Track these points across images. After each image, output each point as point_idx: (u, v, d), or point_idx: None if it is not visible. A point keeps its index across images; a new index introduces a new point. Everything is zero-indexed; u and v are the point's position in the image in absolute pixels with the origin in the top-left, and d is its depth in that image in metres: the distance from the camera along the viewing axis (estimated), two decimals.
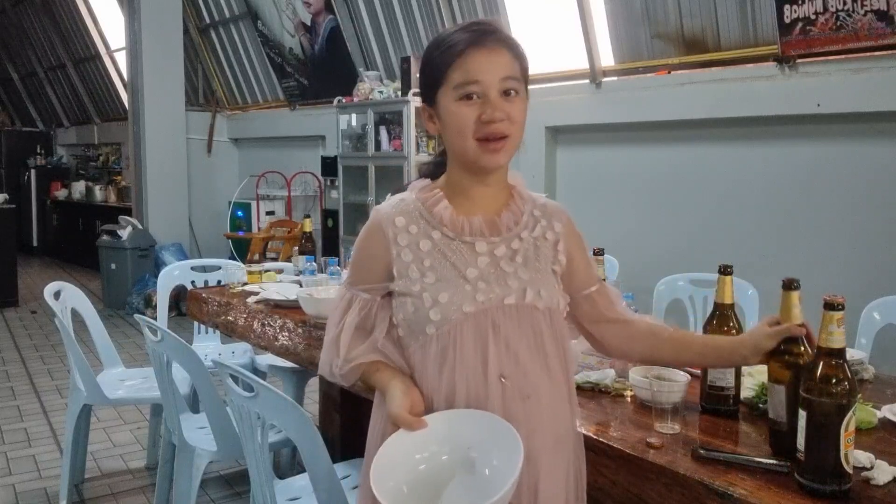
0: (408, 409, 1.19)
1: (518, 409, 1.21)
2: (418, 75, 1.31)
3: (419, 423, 1.18)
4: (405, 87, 5.20)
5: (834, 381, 1.18)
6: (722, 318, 1.61)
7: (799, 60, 3.49)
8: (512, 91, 1.21)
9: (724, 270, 1.64)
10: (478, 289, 1.22)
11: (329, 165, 6.42)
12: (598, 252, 2.08)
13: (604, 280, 1.49)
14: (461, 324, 1.20)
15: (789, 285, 1.38)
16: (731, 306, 1.62)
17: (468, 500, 1.12)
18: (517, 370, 1.22)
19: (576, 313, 1.39)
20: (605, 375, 1.78)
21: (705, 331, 1.63)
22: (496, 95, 1.20)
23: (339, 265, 2.92)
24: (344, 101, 5.69)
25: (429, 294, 1.21)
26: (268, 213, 7.09)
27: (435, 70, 1.23)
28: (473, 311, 1.21)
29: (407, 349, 1.26)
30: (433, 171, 1.36)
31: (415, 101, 5.12)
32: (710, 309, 1.68)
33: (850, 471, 1.19)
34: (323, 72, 6.62)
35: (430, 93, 1.26)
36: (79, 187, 10.03)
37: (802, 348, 1.33)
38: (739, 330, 1.60)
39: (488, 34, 1.22)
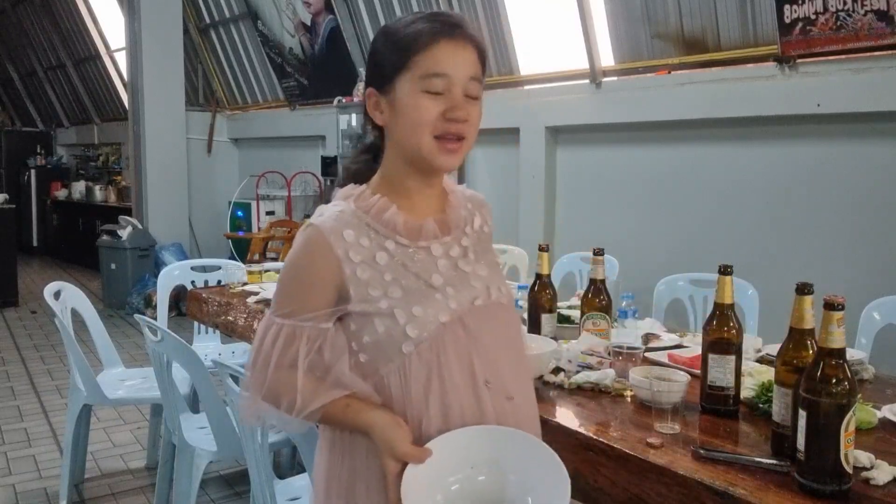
0: (410, 440, 1.08)
1: (506, 412, 1.15)
2: (371, 57, 1.19)
3: (425, 452, 1.08)
4: None
5: (834, 381, 1.18)
6: (722, 318, 1.60)
7: (799, 60, 3.49)
8: (474, 94, 1.13)
9: (725, 270, 1.63)
10: (447, 295, 1.14)
11: (329, 165, 6.42)
12: (599, 252, 2.08)
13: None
14: (440, 336, 1.11)
15: (802, 290, 1.33)
16: (731, 306, 1.62)
17: None
18: (498, 372, 1.16)
19: None
20: (605, 375, 1.78)
21: (705, 331, 1.63)
22: (459, 94, 1.12)
23: None
24: (344, 101, 5.69)
25: (401, 310, 1.11)
26: (268, 213, 7.08)
27: (397, 54, 1.12)
28: (449, 319, 1.13)
29: (374, 375, 1.12)
30: (363, 172, 1.23)
31: None
32: (710, 309, 1.67)
33: (850, 471, 1.19)
34: (323, 72, 6.62)
35: (384, 78, 1.14)
36: (79, 187, 10.03)
37: (810, 352, 1.32)
38: (739, 330, 1.60)
39: (459, 27, 1.13)
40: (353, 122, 5.81)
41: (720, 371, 1.59)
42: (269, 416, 1.16)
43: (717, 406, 1.60)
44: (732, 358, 1.59)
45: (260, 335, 1.16)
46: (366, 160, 1.25)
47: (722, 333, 1.60)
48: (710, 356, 1.60)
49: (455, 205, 1.24)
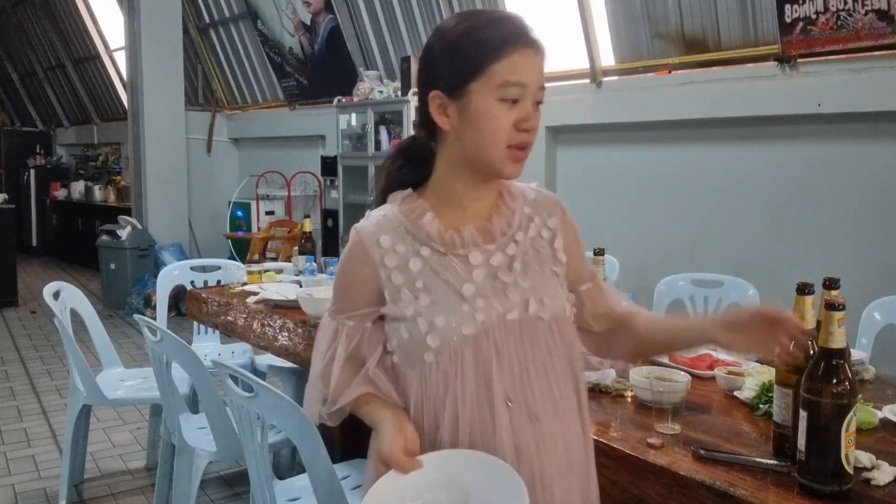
0: (401, 448, 1.07)
1: (527, 433, 1.11)
2: (437, 59, 1.13)
3: (413, 463, 1.07)
4: (405, 87, 5.20)
5: (835, 381, 1.17)
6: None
7: (799, 60, 3.49)
8: (540, 101, 1.11)
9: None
10: (476, 307, 1.11)
11: (329, 165, 6.42)
12: (599, 252, 2.08)
13: (599, 278, 1.34)
14: (461, 348, 1.10)
15: (803, 290, 1.32)
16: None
17: None
18: (524, 391, 1.11)
19: None
20: (606, 376, 1.78)
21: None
22: (531, 102, 1.10)
23: None
24: (344, 100, 5.69)
25: (424, 318, 1.10)
26: (267, 213, 7.08)
27: (472, 59, 1.08)
28: (474, 332, 1.10)
29: (403, 378, 1.15)
30: (414, 176, 1.20)
31: (415, 101, 5.11)
32: (710, 309, 1.67)
33: (850, 471, 1.19)
34: (323, 71, 6.61)
35: (457, 83, 1.09)
36: (78, 187, 10.02)
37: (811, 352, 1.31)
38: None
39: (531, 34, 1.10)
40: (353, 122, 5.80)
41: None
42: (309, 406, 1.21)
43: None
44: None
45: (319, 330, 1.23)
46: (416, 163, 1.20)
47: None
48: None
49: (506, 211, 1.18)
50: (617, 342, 1.31)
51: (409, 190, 1.20)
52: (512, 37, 1.08)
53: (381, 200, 1.22)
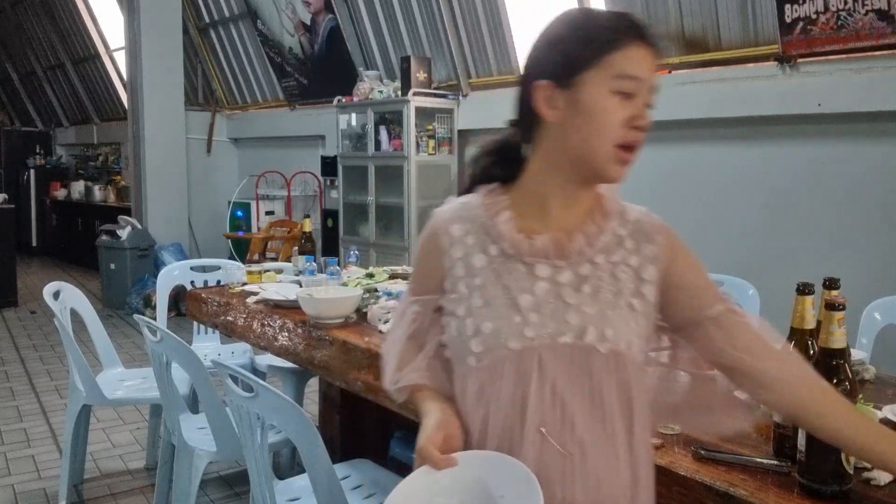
0: (436, 444, 1.02)
1: (555, 466, 1.03)
2: (546, 50, 1.07)
3: (446, 461, 1.01)
4: (405, 87, 5.20)
5: (835, 381, 1.17)
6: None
7: (800, 60, 3.49)
8: (651, 104, 1.05)
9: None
10: (528, 322, 1.03)
11: (329, 165, 6.42)
12: None
13: (735, 306, 1.13)
14: (503, 361, 1.04)
15: (803, 290, 1.32)
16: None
17: None
18: (562, 422, 1.03)
19: (694, 346, 1.13)
20: None
21: None
22: (645, 101, 1.04)
23: (338, 265, 2.91)
24: (344, 100, 5.69)
25: (472, 320, 1.06)
26: (267, 213, 7.08)
27: (588, 49, 1.02)
28: (520, 347, 1.03)
29: (453, 373, 1.13)
30: (505, 173, 1.14)
31: (415, 101, 5.11)
32: None
33: (850, 471, 1.19)
34: (323, 71, 6.61)
35: (567, 71, 1.03)
36: (78, 187, 10.02)
37: (811, 352, 1.31)
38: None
39: (650, 32, 1.05)
40: (353, 122, 5.80)
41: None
42: (384, 381, 1.20)
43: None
44: None
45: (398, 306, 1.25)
46: (512, 156, 1.14)
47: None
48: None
49: (592, 228, 1.09)
50: (756, 390, 1.11)
51: (497, 184, 1.14)
52: (632, 30, 1.03)
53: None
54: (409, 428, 1.39)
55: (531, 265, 1.07)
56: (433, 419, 1.07)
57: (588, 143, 1.04)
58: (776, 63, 3.56)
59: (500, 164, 1.15)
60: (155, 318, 3.01)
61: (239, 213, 7.27)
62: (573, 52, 1.03)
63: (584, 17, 1.07)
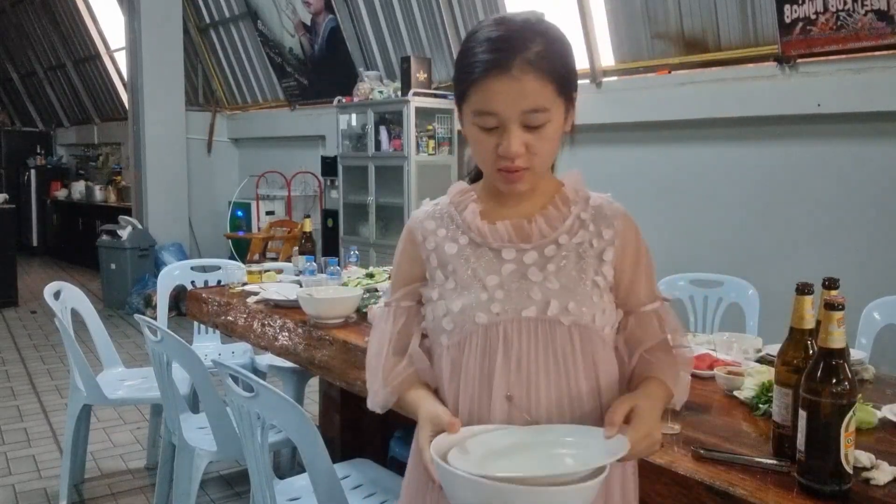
0: (430, 436, 1.07)
1: None
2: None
3: (454, 425, 1.06)
4: (405, 87, 5.20)
5: (834, 381, 1.18)
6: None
7: (799, 60, 3.49)
8: (536, 124, 1.05)
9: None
10: (494, 298, 1.11)
11: (329, 165, 6.42)
12: None
13: (661, 303, 1.23)
14: (471, 336, 1.12)
15: (803, 290, 1.32)
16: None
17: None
18: (528, 390, 1.10)
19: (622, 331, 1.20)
20: None
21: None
22: (516, 128, 1.05)
23: (338, 265, 2.92)
24: (344, 100, 5.69)
25: (444, 301, 1.14)
26: (268, 213, 7.09)
27: (458, 82, 1.09)
28: (486, 322, 1.11)
29: (432, 359, 1.19)
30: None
31: (415, 101, 5.13)
32: (710, 308, 1.67)
33: (850, 471, 1.19)
34: (323, 72, 6.62)
35: (457, 102, 1.13)
36: (79, 187, 10.02)
37: (811, 352, 1.31)
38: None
39: (514, 54, 1.03)
40: (353, 122, 5.80)
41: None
42: (369, 399, 1.23)
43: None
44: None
45: (374, 322, 1.30)
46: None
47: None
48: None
49: (554, 213, 1.16)
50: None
51: (464, 183, 1.24)
52: (486, 63, 1.04)
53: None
54: (409, 428, 1.39)
55: (498, 250, 1.15)
56: (425, 412, 1.12)
57: (479, 164, 1.16)
58: (776, 63, 3.57)
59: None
60: (155, 318, 3.02)
61: (239, 213, 7.28)
62: (455, 84, 1.11)
63: (464, 47, 1.10)
